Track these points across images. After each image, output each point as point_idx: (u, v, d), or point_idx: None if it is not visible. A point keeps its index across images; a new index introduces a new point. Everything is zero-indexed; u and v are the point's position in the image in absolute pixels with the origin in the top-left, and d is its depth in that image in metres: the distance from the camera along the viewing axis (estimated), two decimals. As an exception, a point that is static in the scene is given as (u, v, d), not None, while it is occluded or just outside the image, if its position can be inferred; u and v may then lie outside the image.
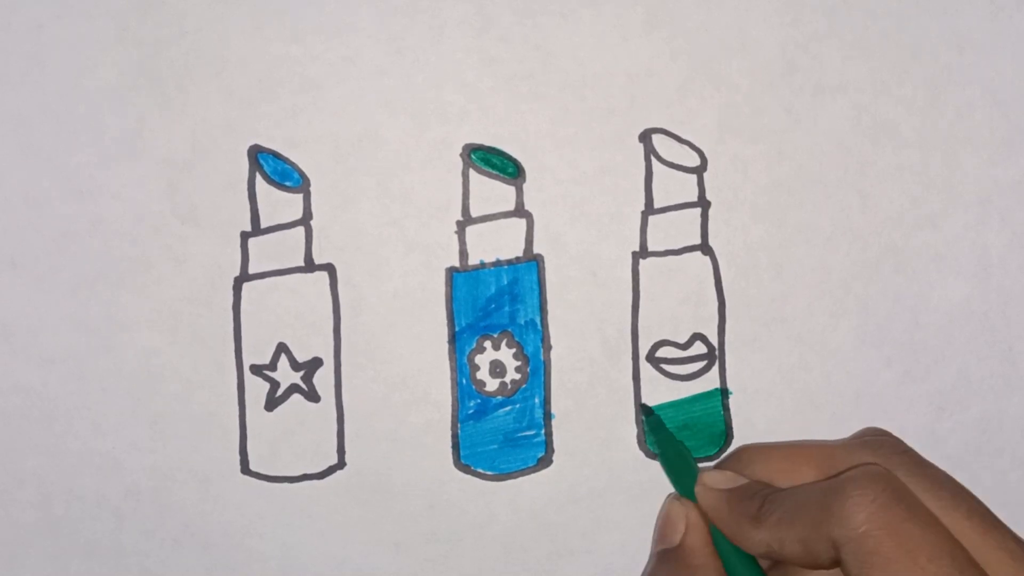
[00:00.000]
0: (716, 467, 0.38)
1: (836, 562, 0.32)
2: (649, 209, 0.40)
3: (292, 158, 0.39)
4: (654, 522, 0.40)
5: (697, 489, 0.37)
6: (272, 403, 0.40)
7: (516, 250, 0.40)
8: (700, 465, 0.38)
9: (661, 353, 0.40)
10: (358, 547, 0.40)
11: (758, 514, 0.34)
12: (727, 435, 0.41)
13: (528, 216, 0.40)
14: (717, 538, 0.36)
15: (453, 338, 0.40)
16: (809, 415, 0.41)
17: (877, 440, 0.37)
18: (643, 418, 0.40)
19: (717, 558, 0.36)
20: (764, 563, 0.36)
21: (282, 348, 0.40)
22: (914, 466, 0.35)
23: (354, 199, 0.40)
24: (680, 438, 0.40)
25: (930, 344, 0.41)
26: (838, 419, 0.41)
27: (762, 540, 0.34)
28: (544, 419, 0.40)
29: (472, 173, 0.40)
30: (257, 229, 0.39)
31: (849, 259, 0.40)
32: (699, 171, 0.40)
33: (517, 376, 0.40)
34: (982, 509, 0.33)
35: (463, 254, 0.40)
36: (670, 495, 0.37)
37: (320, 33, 0.39)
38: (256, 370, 0.40)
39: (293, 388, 0.40)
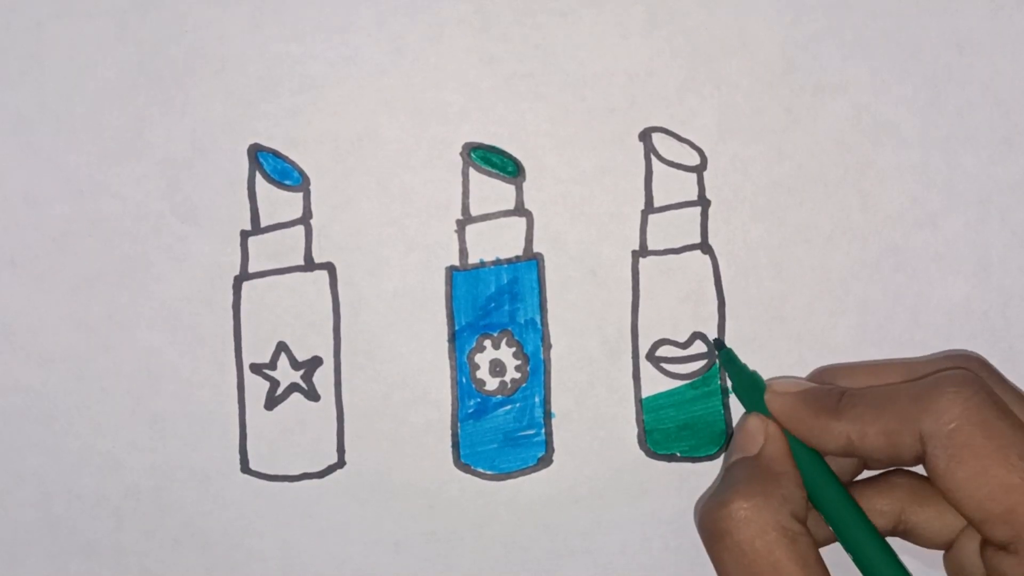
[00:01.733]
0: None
1: (918, 459, 0.33)
2: (649, 208, 0.40)
3: (292, 157, 0.39)
4: (652, 520, 0.40)
5: (767, 396, 0.37)
6: (272, 402, 0.40)
7: (516, 249, 0.40)
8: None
9: (661, 352, 0.40)
10: (358, 546, 0.40)
11: (838, 407, 0.35)
12: (727, 435, 0.41)
13: (528, 215, 0.40)
14: (796, 450, 0.36)
15: (453, 337, 0.40)
16: (809, 415, 0.41)
17: (963, 355, 0.37)
18: (716, 352, 0.40)
19: (796, 469, 0.36)
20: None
21: (282, 347, 0.40)
22: (1000, 380, 0.36)
23: (354, 198, 0.40)
24: (680, 438, 0.40)
25: (930, 344, 0.41)
26: (838, 419, 0.41)
27: (842, 432, 0.34)
28: (544, 418, 0.40)
29: (472, 172, 0.40)
30: (257, 228, 0.39)
31: (849, 259, 0.40)
32: (699, 170, 0.40)
33: (517, 375, 0.40)
34: None
35: (463, 253, 0.40)
36: (745, 413, 0.37)
37: (320, 33, 0.39)
38: (256, 369, 0.40)
39: (293, 387, 0.40)
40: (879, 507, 0.37)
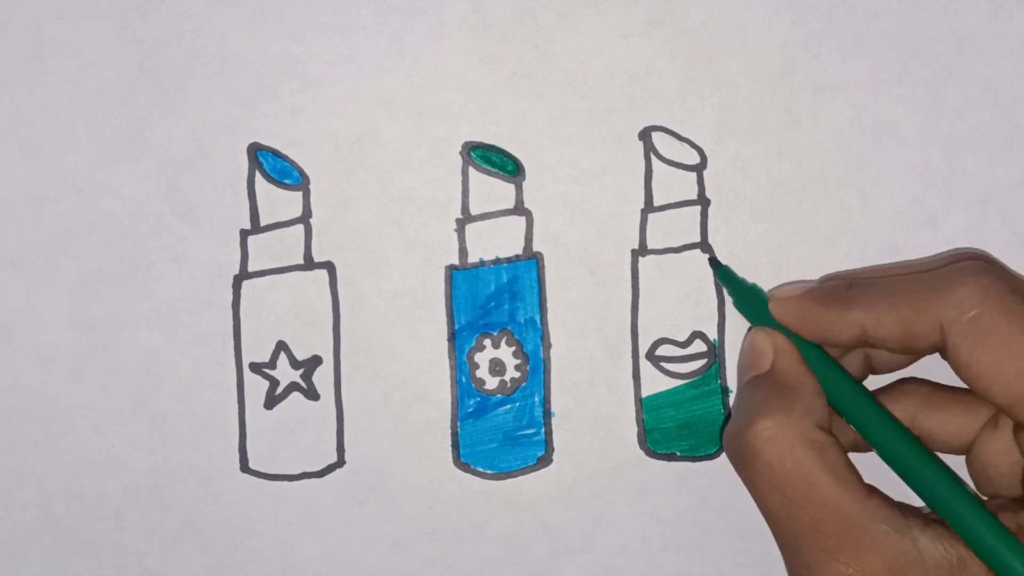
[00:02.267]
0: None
1: (934, 347, 0.33)
2: (649, 207, 0.40)
3: (292, 157, 0.39)
4: (652, 520, 0.40)
5: (771, 305, 0.36)
6: (271, 401, 0.40)
7: (516, 248, 0.40)
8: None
9: (661, 351, 0.40)
10: (357, 546, 0.40)
11: (847, 296, 0.34)
12: (727, 435, 0.41)
13: (528, 214, 0.40)
14: (808, 357, 0.35)
15: (453, 336, 0.40)
16: (809, 414, 0.41)
17: (972, 252, 0.38)
18: (713, 269, 0.40)
19: (812, 376, 0.35)
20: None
21: (281, 346, 0.40)
22: (1012, 273, 0.36)
23: (354, 197, 0.40)
24: (680, 437, 0.40)
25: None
26: (838, 418, 0.41)
27: (855, 320, 0.34)
28: (544, 417, 0.40)
29: (472, 171, 0.40)
30: (257, 227, 0.39)
31: (849, 259, 0.40)
32: (699, 169, 0.40)
33: (517, 374, 0.40)
34: None
35: (463, 252, 0.40)
36: (749, 329, 0.37)
37: (320, 32, 0.39)
38: (256, 368, 0.40)
39: (293, 386, 0.40)
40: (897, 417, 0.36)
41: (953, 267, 0.33)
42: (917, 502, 0.35)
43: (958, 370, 0.32)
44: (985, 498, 0.36)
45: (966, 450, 0.36)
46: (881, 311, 0.34)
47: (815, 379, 0.35)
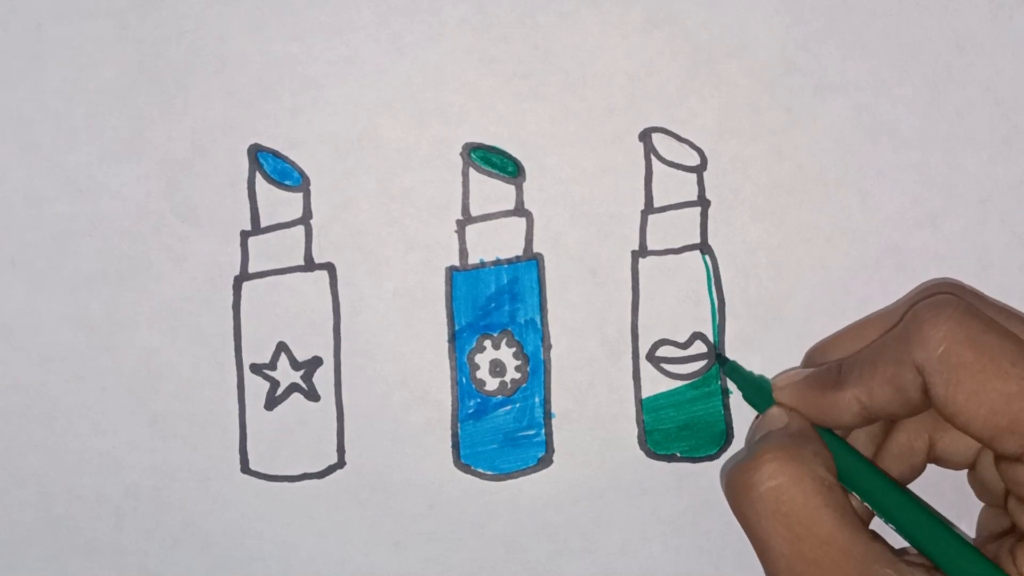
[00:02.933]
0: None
1: (925, 393, 0.32)
2: (649, 208, 0.40)
3: (292, 157, 0.39)
4: (652, 520, 0.40)
5: (775, 393, 0.37)
6: (272, 402, 0.40)
7: (516, 249, 0.40)
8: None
9: (661, 352, 0.40)
10: (358, 546, 0.40)
11: (839, 378, 0.35)
12: (727, 435, 0.41)
13: (528, 215, 0.40)
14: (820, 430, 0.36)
15: (453, 337, 0.40)
16: (809, 415, 0.41)
17: (936, 284, 0.38)
18: (719, 366, 0.40)
19: (822, 440, 0.35)
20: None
21: (282, 347, 0.40)
22: (978, 296, 0.36)
23: (354, 198, 0.40)
24: (680, 438, 0.40)
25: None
26: (838, 419, 0.41)
27: (852, 398, 0.34)
28: (544, 418, 0.40)
29: (472, 172, 0.40)
30: (257, 228, 0.39)
31: (849, 259, 0.40)
32: (699, 170, 0.40)
33: (517, 375, 0.40)
34: None
35: (463, 253, 0.40)
36: (757, 417, 0.38)
37: (320, 33, 0.39)
38: (256, 369, 0.40)
39: (293, 387, 0.40)
40: (914, 445, 0.36)
41: (914, 310, 0.33)
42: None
43: (940, 411, 0.32)
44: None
45: (971, 466, 0.37)
46: (869, 380, 0.34)
47: (824, 443, 0.35)
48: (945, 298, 0.33)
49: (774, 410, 0.36)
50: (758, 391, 0.38)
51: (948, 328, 0.32)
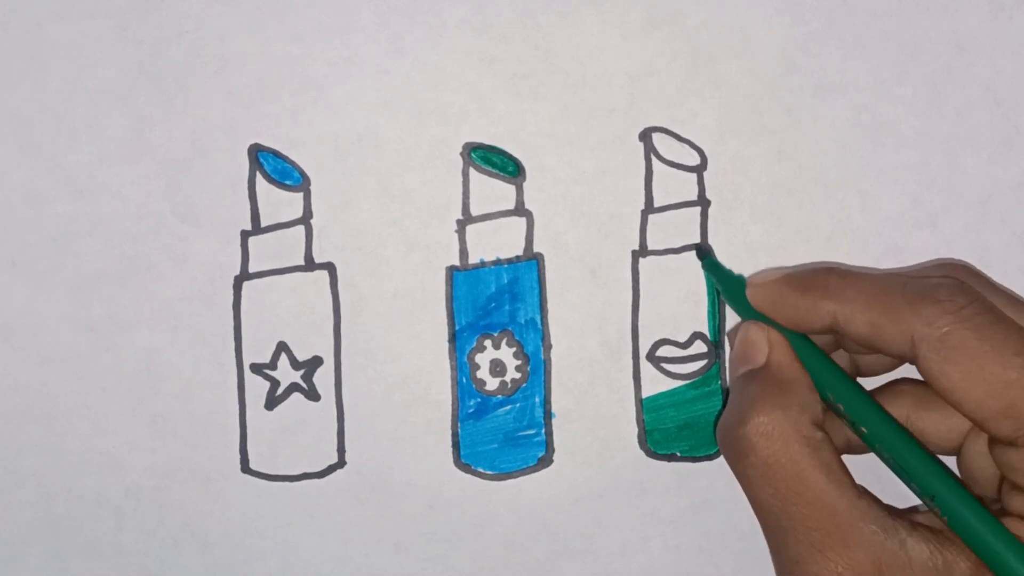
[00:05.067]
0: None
1: (903, 357, 0.33)
2: (649, 208, 0.40)
3: (292, 157, 0.39)
4: (652, 520, 0.40)
5: (748, 292, 0.37)
6: (272, 402, 0.40)
7: (516, 249, 0.40)
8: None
9: (661, 352, 0.40)
10: (358, 546, 0.40)
11: (826, 284, 0.35)
12: (727, 435, 0.41)
13: (528, 215, 0.40)
14: (801, 352, 0.36)
15: (453, 337, 0.40)
16: (809, 415, 0.41)
17: (951, 264, 0.37)
18: (700, 261, 0.40)
19: (806, 373, 0.36)
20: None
21: (282, 347, 0.40)
22: (990, 285, 0.36)
23: (354, 198, 0.40)
24: (680, 437, 0.40)
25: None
26: (838, 419, 0.41)
27: (830, 311, 0.34)
28: (544, 418, 0.40)
29: (472, 172, 0.40)
30: (257, 228, 0.39)
31: (849, 259, 0.40)
32: (699, 170, 0.40)
33: (517, 375, 0.40)
34: None
35: (463, 253, 0.40)
36: (744, 322, 0.37)
37: (320, 33, 0.39)
38: (256, 369, 0.40)
39: (293, 387, 0.40)
40: None
41: (932, 282, 0.33)
42: (907, 503, 0.35)
43: (930, 382, 0.33)
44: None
45: (957, 451, 0.37)
46: (855, 308, 0.34)
47: (809, 376, 0.36)
48: (962, 285, 0.33)
49: (755, 331, 0.36)
50: (738, 290, 0.38)
51: (958, 316, 0.32)
